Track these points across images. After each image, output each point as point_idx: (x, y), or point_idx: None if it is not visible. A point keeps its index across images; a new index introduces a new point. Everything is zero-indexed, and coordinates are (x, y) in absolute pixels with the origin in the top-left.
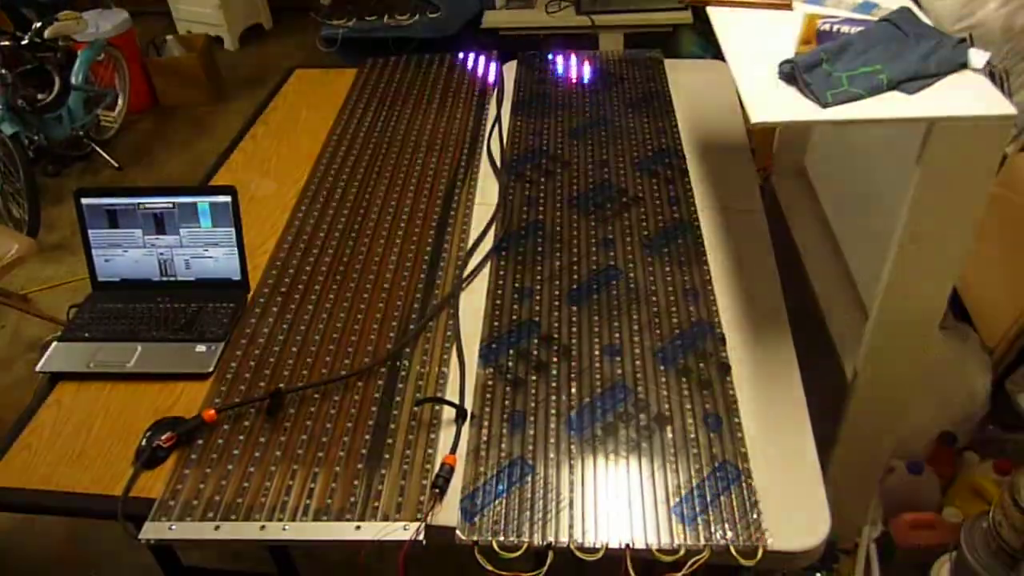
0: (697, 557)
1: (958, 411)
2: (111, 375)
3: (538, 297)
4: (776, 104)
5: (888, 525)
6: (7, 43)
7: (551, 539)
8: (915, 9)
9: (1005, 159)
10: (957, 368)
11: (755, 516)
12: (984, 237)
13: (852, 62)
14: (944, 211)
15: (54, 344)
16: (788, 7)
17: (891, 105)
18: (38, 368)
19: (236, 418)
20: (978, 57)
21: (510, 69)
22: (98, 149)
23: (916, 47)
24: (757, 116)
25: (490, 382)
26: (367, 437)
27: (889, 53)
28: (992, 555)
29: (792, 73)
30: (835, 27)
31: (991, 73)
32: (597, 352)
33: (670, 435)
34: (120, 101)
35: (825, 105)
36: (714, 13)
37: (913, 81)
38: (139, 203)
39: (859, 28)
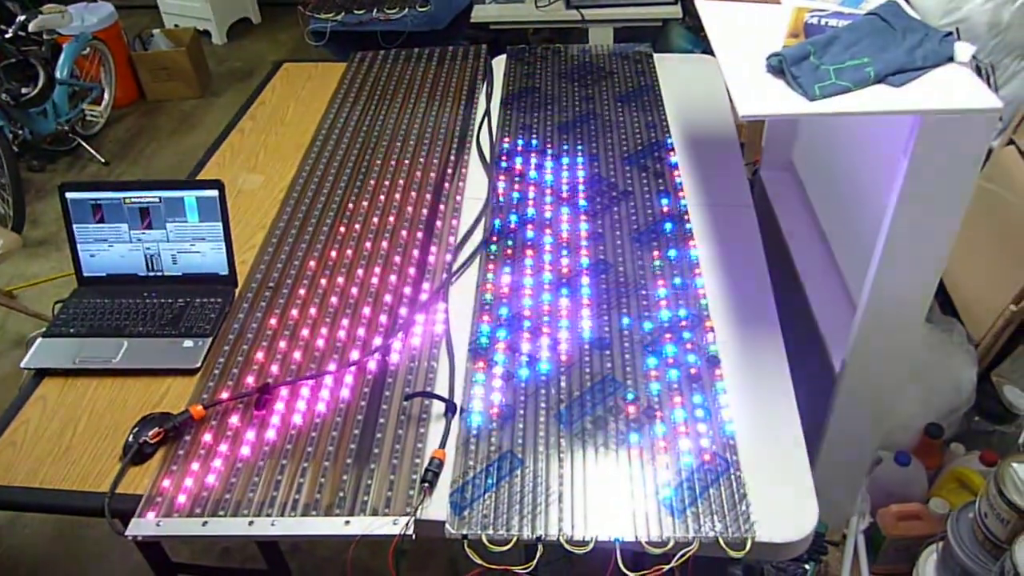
0: (686, 549)
1: (944, 403)
2: (97, 371)
3: (527, 291)
4: (764, 98)
5: (876, 516)
6: None
7: (541, 532)
8: (902, 3)
9: (991, 153)
10: (944, 360)
11: (744, 508)
12: (970, 230)
13: (839, 55)
14: (930, 204)
15: (39, 340)
16: (777, 1)
17: (878, 98)
18: (23, 364)
19: (224, 413)
20: (964, 51)
21: (499, 63)
22: (84, 144)
23: (903, 40)
24: (745, 110)
25: (479, 376)
26: (356, 432)
27: (876, 46)
28: (978, 545)
29: (780, 66)
30: (823, 20)
31: (977, 67)
32: (587, 345)
33: (659, 428)
34: (106, 95)
35: (813, 98)
36: (703, 7)
37: (900, 74)
38: (125, 197)
39: (847, 21)
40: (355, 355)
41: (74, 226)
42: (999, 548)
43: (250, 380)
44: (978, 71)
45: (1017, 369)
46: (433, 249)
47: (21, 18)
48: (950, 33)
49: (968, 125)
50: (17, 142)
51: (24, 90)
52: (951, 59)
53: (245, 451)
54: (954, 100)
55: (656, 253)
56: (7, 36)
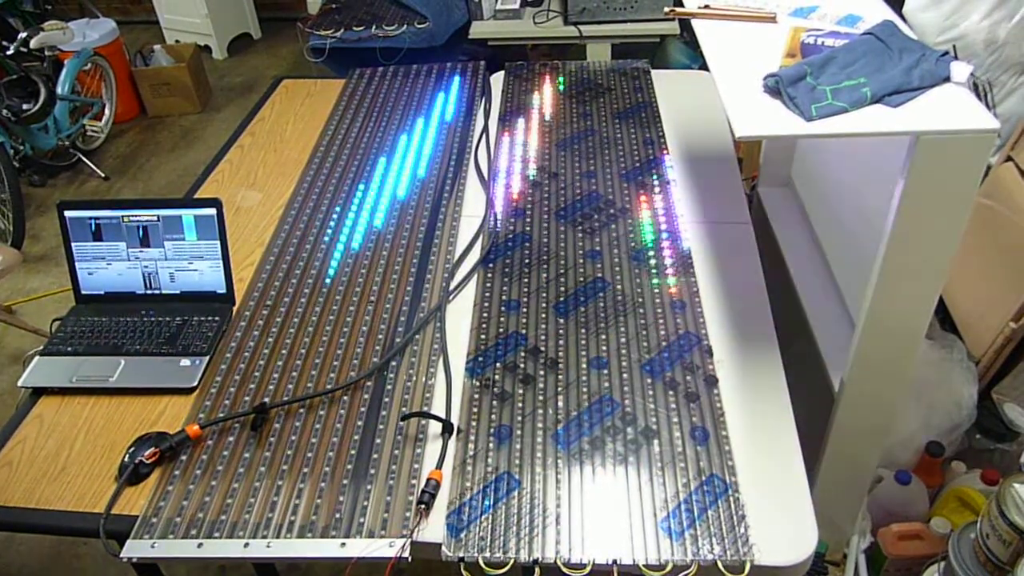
0: (684, 573)
1: (945, 421)
2: (94, 390)
3: (525, 309)
4: (760, 118)
5: (876, 535)
6: None
7: (538, 555)
8: (899, 22)
9: (989, 170)
10: (944, 378)
11: (742, 530)
12: (970, 247)
13: (836, 75)
14: (928, 223)
15: (36, 358)
16: (773, 20)
17: (874, 119)
18: (20, 383)
19: (220, 433)
20: (961, 70)
21: (497, 80)
22: (84, 159)
23: (899, 60)
24: (741, 130)
25: (477, 395)
26: (353, 452)
27: (873, 66)
28: (980, 566)
29: (777, 87)
30: (819, 40)
31: (975, 85)
32: (584, 365)
33: (657, 449)
34: (107, 111)
35: (809, 119)
36: (699, 26)
37: (896, 94)
38: (123, 216)
39: (843, 41)
40: (352, 374)
41: (72, 244)
42: (1001, 569)
43: (247, 399)
44: (976, 88)
45: (1018, 387)
46: (431, 267)
47: (23, 35)
48: (946, 53)
49: (965, 145)
50: (18, 157)
51: (25, 106)
52: (948, 79)
53: (241, 471)
54: (951, 121)
55: (654, 271)
56: (9, 52)
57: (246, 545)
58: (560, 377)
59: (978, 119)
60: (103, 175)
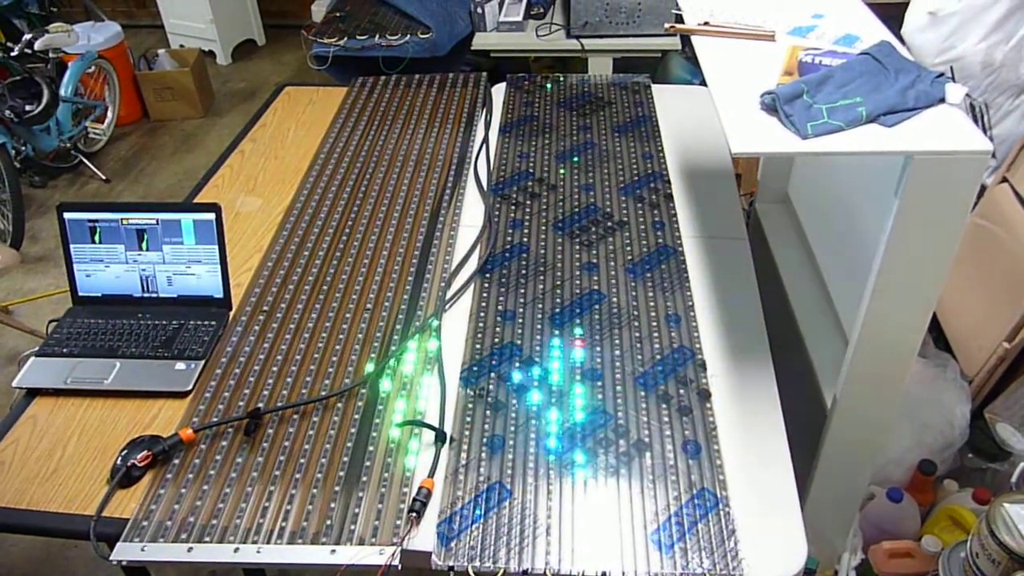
0: None
1: (937, 439)
2: (88, 392)
3: (521, 320)
4: (757, 135)
5: (867, 553)
6: None
7: (527, 565)
8: (896, 43)
9: (985, 190)
10: (937, 396)
11: (732, 544)
12: (964, 266)
13: (832, 94)
14: (922, 242)
15: (32, 359)
16: (771, 38)
17: (869, 138)
18: (15, 383)
19: (213, 438)
20: (955, 92)
21: (499, 91)
22: (86, 161)
23: (895, 81)
24: (737, 147)
25: (470, 405)
26: (345, 459)
27: (869, 86)
28: None
29: (773, 104)
30: (817, 59)
31: (971, 106)
32: (578, 376)
33: (649, 461)
34: (109, 113)
35: (805, 137)
36: (699, 42)
37: (891, 114)
38: (122, 218)
39: (840, 60)
40: (347, 381)
41: (71, 246)
42: None
43: (241, 404)
44: (972, 109)
45: (1010, 407)
46: (428, 275)
47: (28, 36)
48: (942, 74)
49: (958, 166)
50: (19, 158)
51: (28, 107)
52: (943, 100)
53: (233, 476)
54: (944, 142)
55: (650, 284)
56: (13, 54)
57: (236, 550)
58: (554, 388)
59: (971, 140)
60: (104, 177)
